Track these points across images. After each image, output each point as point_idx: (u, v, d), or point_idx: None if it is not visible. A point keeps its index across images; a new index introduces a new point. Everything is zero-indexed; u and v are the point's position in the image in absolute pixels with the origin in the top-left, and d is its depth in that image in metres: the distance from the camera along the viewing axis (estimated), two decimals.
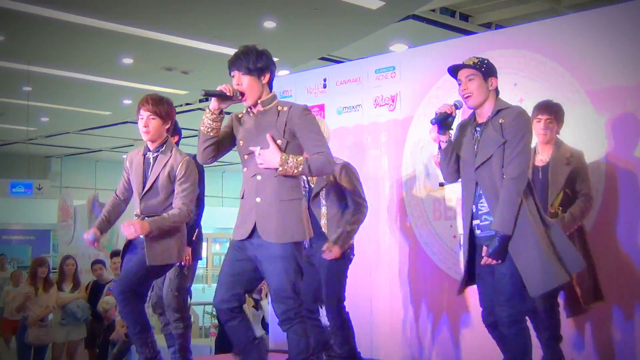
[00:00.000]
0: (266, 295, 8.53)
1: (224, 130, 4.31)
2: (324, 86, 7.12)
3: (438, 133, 4.44)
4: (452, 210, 6.18)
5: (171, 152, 4.86)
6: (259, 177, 4.10)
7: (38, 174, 25.20)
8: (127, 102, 17.54)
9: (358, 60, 7.42)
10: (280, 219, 4.02)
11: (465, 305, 5.98)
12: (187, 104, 19.44)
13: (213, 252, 32.78)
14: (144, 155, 4.91)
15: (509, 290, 4.13)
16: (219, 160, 4.39)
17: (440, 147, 4.49)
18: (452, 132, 4.50)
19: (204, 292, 27.26)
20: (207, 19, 11.70)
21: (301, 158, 4.01)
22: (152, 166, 4.84)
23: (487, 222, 4.25)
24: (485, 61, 4.38)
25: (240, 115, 4.31)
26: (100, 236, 4.95)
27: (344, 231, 5.32)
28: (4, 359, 10.21)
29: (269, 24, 11.95)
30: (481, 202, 4.29)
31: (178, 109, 21.18)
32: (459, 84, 4.39)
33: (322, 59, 14.23)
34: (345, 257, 5.38)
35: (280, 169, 3.96)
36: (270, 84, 4.21)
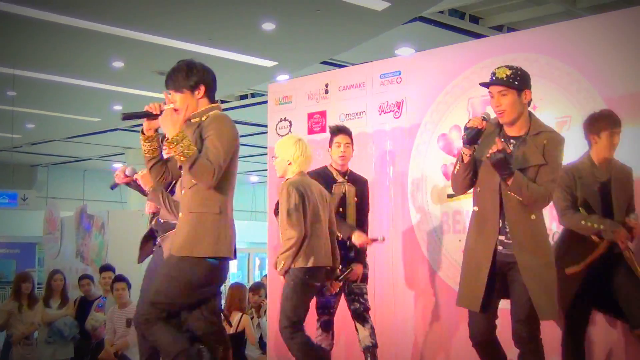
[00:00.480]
0: (264, 313, 8.52)
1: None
2: (326, 92, 7.13)
3: (464, 146, 4.39)
4: (460, 224, 6.17)
5: None
6: (183, 192, 4.23)
7: (23, 184, 25.22)
8: (117, 107, 17.53)
9: (362, 65, 7.43)
10: (186, 231, 4.09)
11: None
12: None
13: None
14: None
15: (530, 306, 4.21)
16: None
17: (462, 160, 4.42)
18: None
19: None
20: (202, 20, 11.72)
21: (195, 150, 3.97)
22: None
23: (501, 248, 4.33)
24: (519, 72, 4.36)
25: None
26: (134, 175, 4.85)
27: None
28: None
29: (268, 26, 11.96)
30: (507, 229, 4.33)
31: None
32: (491, 97, 4.39)
33: (324, 63, 14.25)
34: (295, 278, 5.27)
35: (171, 140, 3.91)
36: (210, 97, 4.34)
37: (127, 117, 4.28)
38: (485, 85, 4.43)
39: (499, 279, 4.34)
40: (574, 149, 5.22)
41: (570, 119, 5.62)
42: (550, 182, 4.24)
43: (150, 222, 5.17)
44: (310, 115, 7.24)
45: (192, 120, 4.24)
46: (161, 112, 4.15)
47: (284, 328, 5.16)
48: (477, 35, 12.52)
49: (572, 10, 12.18)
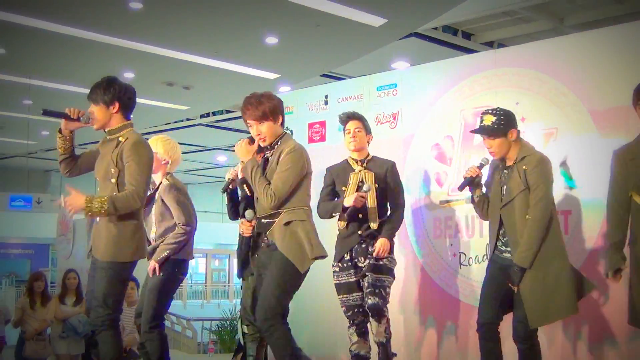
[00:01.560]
0: None
1: (91, 151, 4.76)
2: (326, 103, 7.12)
3: (470, 191, 4.89)
4: (452, 229, 6.16)
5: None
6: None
7: (37, 188, 25.21)
8: None
9: (360, 78, 7.42)
10: (107, 237, 4.40)
11: (459, 319, 5.97)
12: (187, 119, 19.48)
13: (212, 268, 32.78)
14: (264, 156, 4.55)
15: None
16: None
17: (473, 201, 4.93)
18: (484, 189, 4.89)
19: (202, 308, 27.28)
20: (209, 34, 11.73)
21: (105, 198, 4.28)
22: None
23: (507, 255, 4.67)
24: (502, 117, 4.69)
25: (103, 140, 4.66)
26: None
27: (161, 247, 5.36)
28: None
29: (271, 40, 11.98)
30: (505, 239, 4.69)
31: (179, 124, 21.33)
32: (483, 138, 4.80)
33: (324, 75, 14.26)
34: (167, 274, 5.34)
35: (87, 210, 4.28)
36: (125, 114, 4.57)
37: (46, 113, 4.68)
38: (474, 131, 4.88)
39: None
40: (560, 158, 5.23)
41: (557, 131, 5.62)
42: (537, 202, 4.47)
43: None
44: (311, 125, 7.24)
45: (109, 137, 4.56)
46: (78, 116, 4.58)
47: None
48: (469, 51, 12.52)
49: (559, 27, 12.20)
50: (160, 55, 12.87)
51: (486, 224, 5.91)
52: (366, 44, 12.15)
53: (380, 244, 5.29)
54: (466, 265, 6.04)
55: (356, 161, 5.51)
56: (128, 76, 14.18)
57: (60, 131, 4.63)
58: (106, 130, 4.58)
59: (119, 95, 4.53)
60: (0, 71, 14.03)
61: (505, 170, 4.69)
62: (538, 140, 5.64)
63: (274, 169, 4.26)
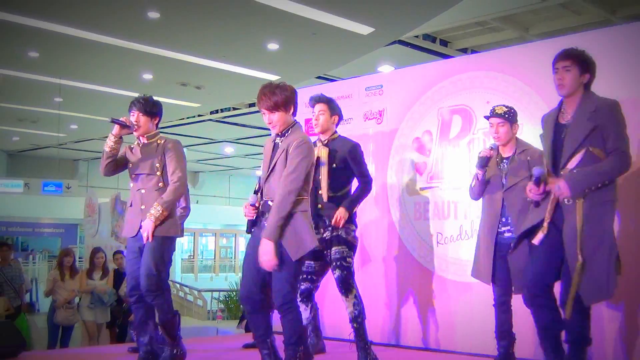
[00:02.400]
0: None
1: (121, 155, 4.93)
2: None
3: (478, 170, 4.89)
4: (430, 212, 6.16)
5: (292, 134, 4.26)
6: (142, 191, 4.77)
7: (67, 175, 25.19)
8: None
9: (350, 79, 7.40)
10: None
11: (439, 293, 5.99)
12: (199, 115, 19.45)
13: (220, 246, 32.82)
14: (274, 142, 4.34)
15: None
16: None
17: (478, 179, 4.92)
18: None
19: (212, 280, 27.34)
20: (218, 41, 11.72)
21: (158, 206, 4.65)
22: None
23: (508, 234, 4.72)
24: (512, 111, 4.87)
25: (132, 146, 4.93)
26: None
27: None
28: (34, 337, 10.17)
29: (273, 46, 11.96)
30: (504, 219, 4.75)
31: (191, 120, 21.28)
32: (491, 126, 4.90)
33: (319, 77, 14.24)
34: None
35: (154, 221, 4.62)
36: (157, 126, 4.96)
37: (113, 121, 4.86)
38: (487, 117, 4.93)
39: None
40: None
41: (522, 126, 5.60)
42: None
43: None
44: (307, 121, 7.21)
45: (150, 141, 4.87)
46: (130, 124, 4.81)
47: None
48: (446, 56, 12.53)
49: (525, 36, 12.20)
50: (175, 59, 12.84)
51: (458, 208, 5.96)
52: (356, 50, 12.14)
53: (337, 212, 4.93)
54: (442, 244, 6.05)
55: (321, 140, 5.25)
56: (147, 77, 14.15)
57: (113, 135, 4.83)
58: (145, 137, 4.88)
59: (160, 110, 4.97)
60: (35, 72, 14.00)
61: (504, 160, 4.83)
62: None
63: (283, 159, 4.06)
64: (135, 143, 4.88)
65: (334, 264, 4.93)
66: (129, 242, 4.85)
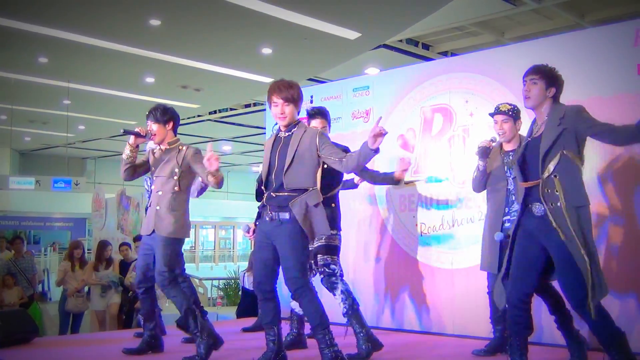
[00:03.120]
0: None
1: (142, 159, 4.91)
2: (311, 101, 7.10)
3: (480, 160, 4.80)
4: (414, 204, 6.18)
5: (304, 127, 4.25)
6: (160, 193, 4.70)
7: (75, 173, 25.10)
8: None
9: (339, 81, 7.40)
10: (170, 221, 4.62)
11: (422, 279, 6.00)
12: (198, 116, 19.42)
13: (220, 237, 32.79)
14: (276, 137, 4.30)
15: None
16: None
17: (479, 169, 4.83)
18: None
19: (212, 270, 27.32)
20: (216, 46, 11.70)
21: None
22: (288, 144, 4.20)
23: (508, 224, 4.61)
24: (516, 108, 4.72)
25: (154, 151, 4.88)
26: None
27: None
28: (46, 324, 10.16)
29: (266, 50, 11.95)
30: (513, 206, 4.61)
31: (191, 120, 21.22)
32: (495, 122, 4.76)
33: (310, 79, 14.23)
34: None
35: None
36: (174, 130, 4.85)
37: (125, 132, 4.81)
38: (492, 114, 4.80)
39: None
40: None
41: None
42: None
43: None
44: (299, 120, 7.22)
45: (171, 147, 4.79)
46: (146, 134, 4.75)
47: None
48: (428, 59, 12.53)
49: (501, 40, 12.22)
50: (175, 63, 12.81)
51: (440, 199, 5.97)
52: (344, 53, 12.14)
53: None
54: (426, 233, 6.07)
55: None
56: (149, 80, 14.11)
57: (130, 144, 4.79)
58: (165, 143, 4.83)
59: (174, 117, 4.87)
60: (44, 77, 13.95)
61: (509, 152, 4.70)
62: (484, 131, 5.67)
63: (307, 147, 4.06)
64: (158, 148, 4.87)
65: (319, 270, 4.83)
66: (143, 238, 4.85)
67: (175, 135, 4.88)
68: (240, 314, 8.44)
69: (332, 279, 4.75)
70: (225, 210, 29.49)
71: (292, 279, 3.98)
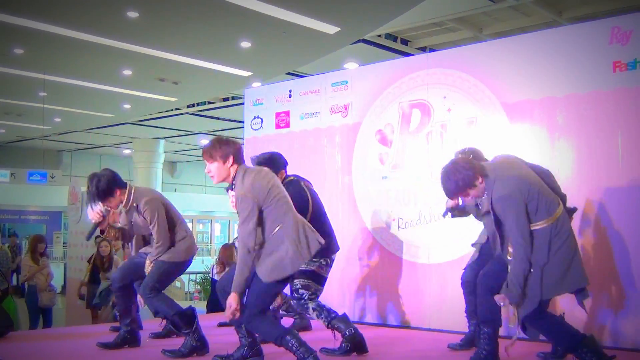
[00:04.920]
0: None
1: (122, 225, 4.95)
2: (290, 96, 7.10)
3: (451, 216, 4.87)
4: (392, 199, 6.21)
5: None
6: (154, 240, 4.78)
7: (51, 165, 24.84)
8: (126, 106, 17.34)
9: (317, 75, 7.40)
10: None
11: (400, 274, 6.04)
12: (176, 109, 19.31)
13: (197, 231, 32.66)
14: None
15: None
16: None
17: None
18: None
19: None
20: (194, 39, 11.63)
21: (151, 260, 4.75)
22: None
23: None
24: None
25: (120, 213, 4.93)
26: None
27: None
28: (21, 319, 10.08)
29: (245, 44, 11.91)
30: None
31: (169, 113, 21.07)
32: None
33: (289, 73, 14.21)
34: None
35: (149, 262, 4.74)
36: (120, 188, 4.76)
37: (89, 237, 4.99)
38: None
39: None
40: (480, 141, 5.29)
41: (476, 119, 5.68)
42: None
43: None
44: (277, 114, 7.22)
45: (128, 206, 4.78)
46: (102, 217, 4.78)
47: None
48: (406, 54, 12.58)
49: (478, 36, 12.28)
50: (153, 55, 12.71)
51: (418, 195, 6.01)
52: (323, 48, 12.13)
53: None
54: (403, 228, 6.10)
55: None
56: (127, 73, 14.00)
57: (101, 232, 4.90)
58: (119, 206, 4.86)
59: (119, 184, 4.79)
60: (20, 68, 13.79)
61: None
62: (461, 127, 5.71)
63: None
64: (120, 212, 4.90)
65: (291, 291, 4.98)
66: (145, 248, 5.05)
67: (123, 191, 4.79)
68: (210, 308, 8.42)
69: (301, 302, 4.81)
70: (203, 204, 29.36)
71: (246, 316, 4.00)
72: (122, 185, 4.76)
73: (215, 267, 8.45)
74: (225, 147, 4.07)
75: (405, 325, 5.97)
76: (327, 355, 4.56)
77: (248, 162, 4.34)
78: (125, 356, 4.72)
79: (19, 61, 13.16)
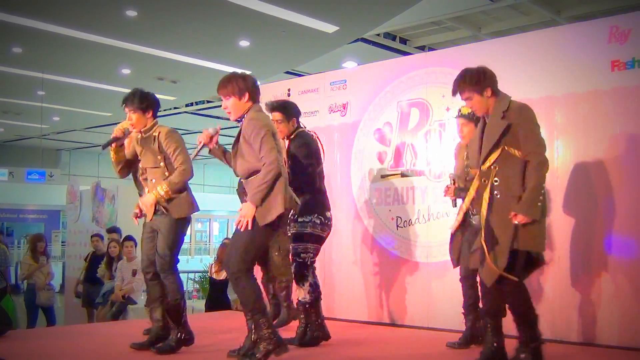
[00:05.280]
0: None
1: (132, 151, 4.75)
2: (288, 95, 7.11)
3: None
4: (390, 197, 6.21)
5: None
6: (153, 180, 4.58)
7: (50, 164, 24.81)
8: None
9: (316, 75, 7.41)
10: (171, 205, 4.54)
11: (398, 272, 6.04)
12: (175, 108, 19.31)
13: (196, 230, 32.66)
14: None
15: None
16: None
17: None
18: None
19: (187, 263, 27.22)
20: (193, 37, 11.62)
21: (165, 184, 4.49)
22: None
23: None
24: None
25: (137, 138, 4.70)
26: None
27: None
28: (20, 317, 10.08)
29: (244, 43, 11.91)
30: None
31: (167, 112, 21.07)
32: (457, 126, 4.86)
33: (288, 72, 14.21)
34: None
35: (159, 200, 4.47)
36: (154, 116, 4.68)
37: (105, 146, 4.72)
38: (455, 117, 4.89)
39: None
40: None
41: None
42: None
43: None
44: None
45: (146, 135, 4.63)
46: (123, 133, 4.65)
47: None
48: (405, 53, 12.58)
49: (477, 35, 12.29)
50: (152, 54, 12.70)
51: (416, 194, 6.01)
52: (322, 47, 12.13)
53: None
54: (401, 227, 6.10)
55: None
56: (125, 72, 14.00)
57: (114, 149, 4.70)
58: (142, 130, 4.65)
59: (152, 103, 4.69)
60: (18, 67, 13.77)
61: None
62: None
63: (244, 138, 4.19)
64: (136, 138, 4.71)
65: (292, 257, 4.92)
66: (146, 224, 4.71)
67: (155, 118, 4.71)
68: (209, 307, 8.39)
69: (303, 271, 4.80)
70: (202, 202, 29.10)
71: (229, 263, 4.04)
72: (155, 114, 4.72)
73: (213, 266, 8.45)
74: (241, 82, 4.20)
75: (402, 324, 5.97)
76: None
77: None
78: (119, 353, 4.70)
79: (18, 60, 13.15)
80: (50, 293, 9.27)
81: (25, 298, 9.58)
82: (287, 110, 5.08)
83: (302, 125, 5.14)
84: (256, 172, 4.07)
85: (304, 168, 4.88)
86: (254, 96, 4.24)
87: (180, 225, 4.62)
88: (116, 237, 9.42)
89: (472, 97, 4.00)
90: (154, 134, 4.60)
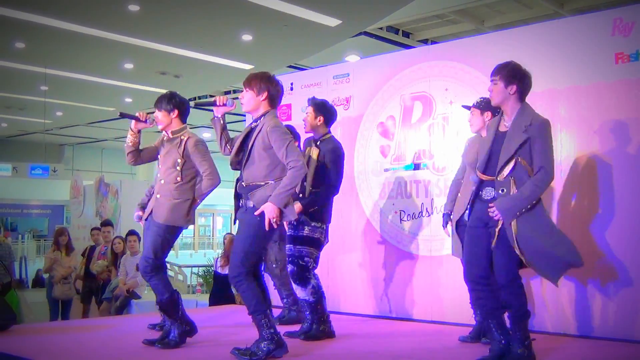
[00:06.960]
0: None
1: (152, 146, 4.81)
2: (291, 89, 7.09)
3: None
4: (393, 191, 6.21)
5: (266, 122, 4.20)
6: (162, 181, 4.62)
7: (53, 159, 24.90)
8: (127, 100, 17.34)
9: (319, 68, 7.39)
10: (167, 208, 4.55)
11: (402, 266, 6.04)
12: None
13: (199, 225, 32.72)
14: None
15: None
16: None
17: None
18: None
19: (191, 257, 27.29)
20: (195, 32, 11.63)
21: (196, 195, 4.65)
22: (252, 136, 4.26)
23: None
24: (485, 100, 4.63)
25: (163, 137, 4.76)
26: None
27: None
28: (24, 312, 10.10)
29: (246, 37, 11.90)
30: None
31: None
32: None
33: (290, 66, 14.21)
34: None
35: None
36: (181, 119, 4.72)
37: (122, 115, 4.73)
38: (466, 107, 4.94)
39: None
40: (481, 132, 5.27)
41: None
42: None
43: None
44: (279, 107, 7.20)
45: (173, 136, 4.67)
46: (146, 119, 4.69)
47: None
48: (408, 46, 12.56)
49: (480, 28, 12.27)
50: (154, 49, 12.71)
51: (420, 187, 6.01)
52: (324, 40, 12.12)
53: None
54: (405, 221, 6.10)
55: (314, 139, 5.14)
56: (128, 67, 14.00)
57: (131, 129, 4.73)
58: (169, 131, 4.70)
59: (178, 105, 4.72)
60: (21, 62, 13.79)
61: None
62: (463, 119, 5.69)
63: (259, 142, 4.13)
64: (162, 136, 4.78)
65: (290, 259, 4.91)
66: (145, 222, 4.78)
67: (184, 123, 4.76)
68: (213, 301, 8.40)
69: (304, 274, 4.83)
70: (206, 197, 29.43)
71: (232, 267, 4.09)
72: (184, 118, 4.77)
73: (219, 259, 8.44)
74: (266, 82, 4.22)
75: (408, 318, 5.97)
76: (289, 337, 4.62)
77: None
78: (124, 348, 4.71)
79: (21, 55, 13.17)
80: (65, 287, 9.34)
81: (47, 291, 9.68)
82: (326, 111, 5.15)
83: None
84: (259, 185, 4.12)
85: (328, 172, 4.91)
86: (272, 100, 4.25)
87: (170, 231, 4.62)
88: (110, 229, 9.63)
89: (497, 82, 4.01)
90: (182, 137, 4.67)
